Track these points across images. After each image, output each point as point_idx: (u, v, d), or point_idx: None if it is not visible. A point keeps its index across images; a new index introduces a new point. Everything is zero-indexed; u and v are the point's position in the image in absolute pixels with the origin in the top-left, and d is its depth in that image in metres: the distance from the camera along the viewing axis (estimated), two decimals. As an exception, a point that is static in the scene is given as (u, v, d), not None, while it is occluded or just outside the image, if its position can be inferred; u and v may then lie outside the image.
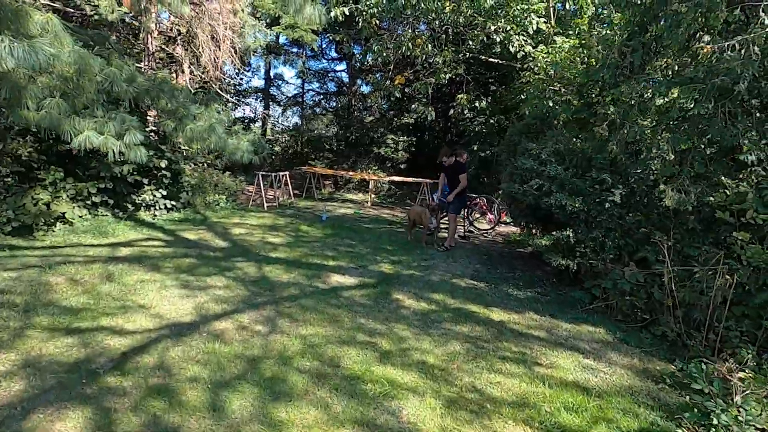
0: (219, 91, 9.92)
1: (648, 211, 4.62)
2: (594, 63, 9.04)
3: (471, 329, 3.86)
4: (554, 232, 5.04)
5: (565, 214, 4.80)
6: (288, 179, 10.54)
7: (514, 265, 6.33)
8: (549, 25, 9.25)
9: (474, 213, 8.82)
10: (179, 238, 6.20)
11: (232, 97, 14.86)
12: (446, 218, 7.39)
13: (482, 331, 3.84)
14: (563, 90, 8.62)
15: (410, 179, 11.53)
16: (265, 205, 9.49)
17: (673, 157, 4.21)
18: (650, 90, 4.58)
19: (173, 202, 7.48)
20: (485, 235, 8.54)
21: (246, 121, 16.18)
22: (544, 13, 9.76)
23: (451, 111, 15.80)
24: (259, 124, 16.63)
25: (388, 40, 9.69)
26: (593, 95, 5.63)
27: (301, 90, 16.62)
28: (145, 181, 7.10)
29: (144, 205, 7.18)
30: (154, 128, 7.86)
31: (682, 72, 4.50)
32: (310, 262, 5.53)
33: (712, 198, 4.23)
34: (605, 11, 9.68)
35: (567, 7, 9.47)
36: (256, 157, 8.62)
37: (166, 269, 4.77)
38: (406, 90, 11.23)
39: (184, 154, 8.44)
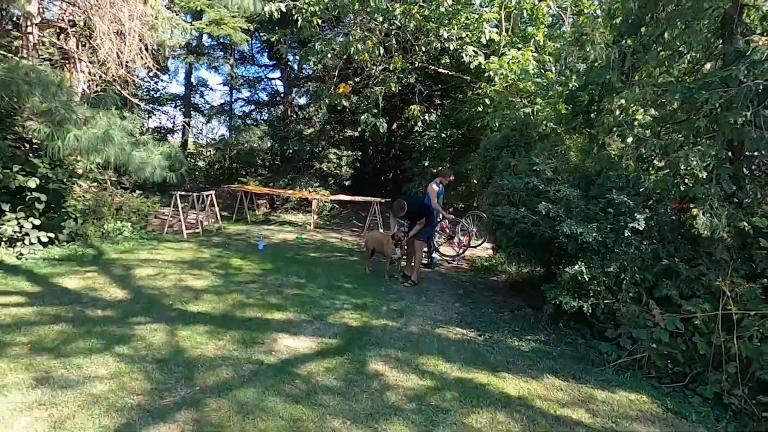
0: (127, 96, 8.03)
1: (672, 239, 3.86)
2: (551, 75, 8.69)
3: (492, 420, 2.71)
4: (561, 266, 4.14)
5: (575, 245, 3.89)
6: (214, 199, 8.82)
7: (498, 301, 5.35)
8: (503, 35, 8.74)
9: (438, 237, 7.83)
10: (53, 289, 4.39)
11: (146, 105, 12.72)
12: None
13: (508, 422, 2.71)
14: (524, 101, 8.07)
15: (359, 198, 10.34)
16: (185, 232, 7.71)
17: (705, 174, 3.48)
18: (666, 94, 3.88)
19: (51, 234, 5.55)
20: (450, 261, 7.57)
21: (163, 131, 14.00)
22: (496, 23, 9.28)
23: (395, 125, 15.01)
24: (178, 135, 14.50)
25: (333, 41, 8.54)
26: (584, 102, 4.90)
27: (229, 98, 14.84)
28: (6, 207, 5.14)
29: (4, 240, 5.20)
30: (24, 135, 5.90)
31: (702, 70, 3.87)
32: (246, 317, 4.07)
33: (745, 223, 3.55)
34: (560, 23, 9.44)
35: (522, 17, 9.04)
36: (172, 174, 6.93)
37: (16, 348, 3.07)
38: (352, 100, 10.12)
39: (73, 169, 6.49)
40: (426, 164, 10.82)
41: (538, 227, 4.19)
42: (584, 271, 3.81)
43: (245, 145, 13.33)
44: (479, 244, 7.94)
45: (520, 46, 8.64)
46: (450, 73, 9.98)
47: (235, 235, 8.31)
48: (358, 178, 13.48)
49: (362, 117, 8.65)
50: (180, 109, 14.52)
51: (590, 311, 3.89)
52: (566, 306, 3.90)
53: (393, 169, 14.77)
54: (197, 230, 8.18)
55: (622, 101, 4.02)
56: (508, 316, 4.85)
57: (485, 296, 5.58)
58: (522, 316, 4.84)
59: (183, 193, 8.12)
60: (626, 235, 3.76)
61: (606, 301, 3.90)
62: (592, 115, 4.72)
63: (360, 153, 12.80)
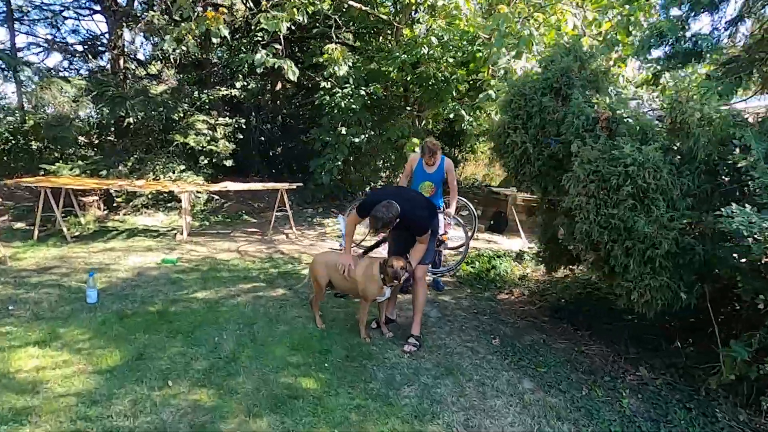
0: None
1: None
2: None
3: None
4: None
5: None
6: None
7: (576, 360, 3.13)
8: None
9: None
10: None
11: None
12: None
13: None
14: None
15: (259, 186, 7.00)
16: None
17: None
18: None
19: None
20: (446, 273, 5.06)
21: None
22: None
23: (279, 85, 11.58)
24: None
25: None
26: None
27: (9, 41, 9.40)
28: None
29: None
30: None
31: None
32: None
33: None
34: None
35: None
36: None
37: None
38: (224, 37, 6.56)
39: None
40: (344, 132, 7.99)
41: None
42: None
43: (49, 114, 8.45)
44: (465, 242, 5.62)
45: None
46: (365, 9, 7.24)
47: (37, 275, 4.45)
48: (242, 155, 9.91)
49: (256, 57, 5.37)
50: None
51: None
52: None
53: (287, 142, 11.46)
54: (-58, 276, 4.11)
55: None
56: (620, 384, 2.64)
57: (542, 345, 3.30)
58: (638, 385, 2.68)
59: None
60: None
61: None
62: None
63: (244, 120, 9.23)
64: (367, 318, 3.38)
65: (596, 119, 2.83)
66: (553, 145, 3.04)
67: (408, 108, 9.63)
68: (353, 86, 8.00)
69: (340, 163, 8.13)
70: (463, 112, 7.48)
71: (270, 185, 6.70)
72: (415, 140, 8.11)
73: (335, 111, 8.02)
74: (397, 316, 3.49)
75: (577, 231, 2.60)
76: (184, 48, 6.98)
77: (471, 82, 8.58)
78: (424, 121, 10.10)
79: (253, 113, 10.63)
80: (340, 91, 8.00)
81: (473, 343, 3.35)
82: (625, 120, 2.83)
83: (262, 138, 11.29)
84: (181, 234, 6.31)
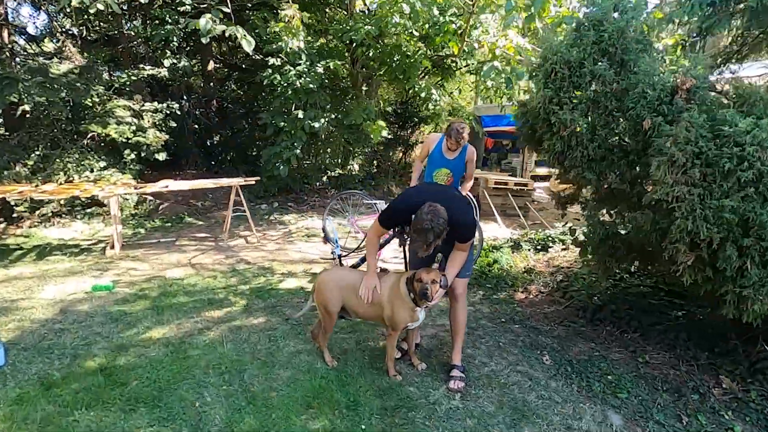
0: None
1: None
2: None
3: None
4: None
5: None
6: None
7: (648, 376, 2.68)
8: None
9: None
10: None
11: None
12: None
13: None
14: None
15: (209, 183, 5.83)
16: None
17: None
18: None
19: None
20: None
21: None
22: None
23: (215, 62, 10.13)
24: None
25: None
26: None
27: None
28: None
29: None
30: None
31: None
32: None
33: None
34: None
35: None
36: None
37: None
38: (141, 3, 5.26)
39: None
40: (300, 116, 7.00)
41: None
42: None
43: None
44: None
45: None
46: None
47: None
48: (175, 147, 8.52)
49: (201, 22, 4.26)
50: None
51: None
52: None
53: (225, 129, 10.10)
54: None
55: None
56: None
57: (598, 358, 2.82)
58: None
59: None
60: None
61: None
62: None
63: (178, 105, 7.83)
64: (397, 358, 2.67)
65: (674, 89, 2.32)
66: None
67: (365, 88, 8.82)
68: (307, 63, 7.02)
69: (298, 151, 7.16)
70: (433, 90, 6.84)
71: (223, 181, 5.61)
72: (381, 123, 7.37)
73: (289, 92, 6.99)
74: (461, 376, 2.71)
75: (675, 228, 2.08)
76: (86, 18, 5.56)
77: (435, 59, 7.99)
78: (375, 102, 9.38)
79: (185, 97, 9.16)
80: (292, 68, 6.98)
81: (522, 364, 2.79)
82: (703, 89, 2.34)
83: (197, 126, 9.85)
84: (112, 248, 5.08)
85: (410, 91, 7.24)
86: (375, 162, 10.78)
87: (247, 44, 4.36)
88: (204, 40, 4.80)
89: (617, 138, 2.59)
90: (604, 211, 2.82)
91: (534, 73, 3.10)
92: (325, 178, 9.25)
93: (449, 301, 2.69)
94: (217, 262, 4.88)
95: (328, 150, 8.63)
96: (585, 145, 2.64)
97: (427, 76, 7.63)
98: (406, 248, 3.83)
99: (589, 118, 2.65)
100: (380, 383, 2.54)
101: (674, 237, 2.11)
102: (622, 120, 2.52)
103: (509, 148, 13.98)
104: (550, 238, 5.43)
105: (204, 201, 7.91)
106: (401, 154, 11.98)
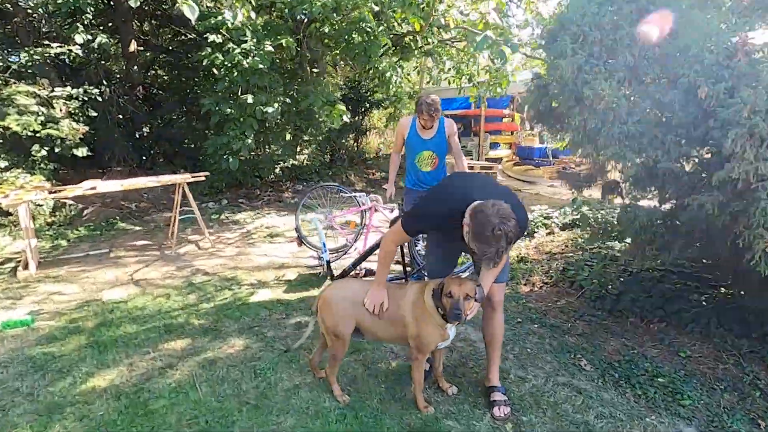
0: None
1: None
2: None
3: None
4: None
5: None
6: None
7: (710, 375, 2.44)
8: None
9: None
10: None
11: None
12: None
13: None
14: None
15: (153, 182, 4.82)
16: None
17: None
18: None
19: None
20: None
21: None
22: None
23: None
24: None
25: None
26: None
27: None
28: None
29: None
30: None
31: None
32: None
33: None
34: None
35: None
36: None
37: None
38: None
39: None
40: (250, 101, 6.17)
41: None
42: None
43: None
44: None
45: None
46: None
47: None
48: (99, 141, 7.29)
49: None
50: None
51: None
52: None
53: (156, 119, 8.84)
54: None
55: None
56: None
57: (638, 356, 2.54)
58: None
59: None
60: None
61: None
62: None
63: (98, 91, 6.59)
64: (423, 382, 2.19)
65: (734, 49, 2.02)
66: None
67: (315, 70, 8.09)
68: (254, 41, 6.19)
69: (250, 140, 6.34)
70: (398, 70, 6.34)
71: (166, 178, 4.71)
72: (341, 107, 6.74)
73: (234, 73, 6.13)
74: (506, 409, 2.20)
75: (758, 211, 1.79)
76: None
77: (393, 37, 7.46)
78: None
79: (104, 82, 7.84)
80: (237, 47, 6.12)
81: (561, 374, 2.44)
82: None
83: (122, 116, 8.54)
84: (26, 268, 4.07)
85: (370, 72, 6.68)
86: (329, 150, 10.10)
87: (190, 10, 3.56)
88: (133, 3, 3.88)
89: (661, 111, 2.26)
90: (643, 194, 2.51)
91: (546, 42, 2.72)
92: (278, 170, 8.46)
93: (483, 309, 2.25)
94: (168, 276, 4.07)
95: (280, 139, 7.83)
96: (623, 119, 2.29)
97: (384, 56, 7.10)
98: (413, 249, 3.37)
99: (626, 90, 2.31)
100: (410, 420, 2.06)
101: (756, 221, 1.81)
102: (669, 89, 2.20)
103: (461, 132, 13.89)
104: (532, 222, 5.20)
105: (139, 202, 6.84)
106: (353, 142, 11.38)
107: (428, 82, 14.29)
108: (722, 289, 3.10)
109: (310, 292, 3.65)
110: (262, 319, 3.15)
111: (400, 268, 4.19)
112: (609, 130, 2.33)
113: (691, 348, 2.62)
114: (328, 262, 3.04)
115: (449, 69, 8.53)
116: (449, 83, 8.87)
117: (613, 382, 2.34)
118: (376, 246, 3.15)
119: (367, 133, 12.13)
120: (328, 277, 3.35)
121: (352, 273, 3.25)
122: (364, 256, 3.16)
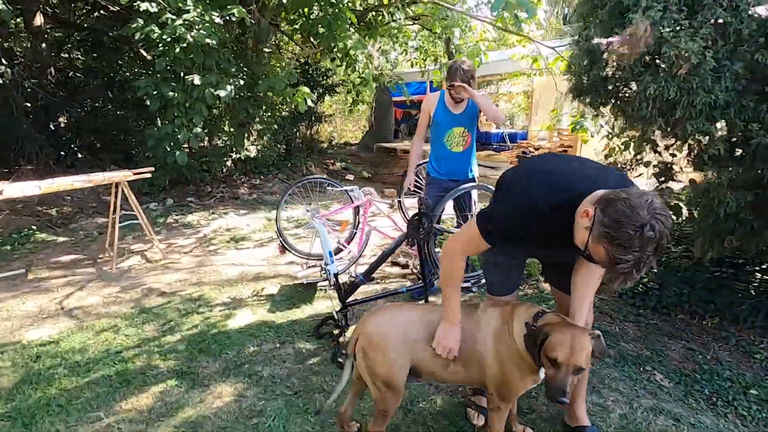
0: None
1: None
2: None
3: None
4: None
5: None
6: None
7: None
8: None
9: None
10: None
11: None
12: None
13: None
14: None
15: (82, 180, 3.78)
16: None
17: None
18: None
19: None
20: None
21: None
22: None
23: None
24: None
25: None
26: None
27: None
28: None
29: None
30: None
31: None
32: None
33: None
34: None
35: None
36: None
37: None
38: None
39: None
40: (197, 82, 5.23)
41: None
42: None
43: None
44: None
45: None
46: None
47: None
48: (1, 134, 5.95)
49: None
50: None
51: None
52: None
53: (75, 107, 7.46)
54: None
55: None
56: None
57: (707, 361, 2.22)
58: None
59: None
60: None
61: None
62: None
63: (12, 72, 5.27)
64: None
65: None
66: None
67: (266, 50, 7.20)
68: (200, 11, 5.24)
69: (199, 129, 5.40)
70: (370, 50, 5.70)
71: (100, 177, 3.73)
72: (305, 89, 5.97)
73: (176, 49, 5.14)
74: None
75: None
76: None
77: (357, 12, 6.78)
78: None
79: (3, 62, 6.40)
80: (177, 18, 5.14)
81: (643, 395, 2.03)
82: None
83: (29, 104, 7.11)
84: None
85: (335, 50, 5.98)
86: (283, 140, 9.22)
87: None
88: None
89: (756, 75, 1.89)
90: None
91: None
92: (229, 163, 7.50)
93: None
94: (112, 301, 3.20)
95: (231, 128, 6.89)
96: (709, 86, 1.89)
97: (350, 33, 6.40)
98: (426, 249, 2.81)
99: (711, 52, 1.90)
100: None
101: None
102: (765, 49, 1.82)
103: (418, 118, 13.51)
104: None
105: (60, 207, 5.65)
106: (305, 130, 10.52)
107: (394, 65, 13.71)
108: (758, 275, 2.88)
109: (302, 309, 2.99)
110: (251, 353, 2.46)
111: (397, 270, 3.67)
112: (692, 99, 1.91)
113: (759, 347, 2.34)
114: (336, 275, 2.40)
115: (415, 50, 8.01)
116: (411, 66, 8.35)
117: (705, 402, 1.97)
118: (390, 252, 2.57)
119: (322, 120, 11.35)
120: (337, 297, 2.65)
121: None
122: (380, 261, 2.55)
